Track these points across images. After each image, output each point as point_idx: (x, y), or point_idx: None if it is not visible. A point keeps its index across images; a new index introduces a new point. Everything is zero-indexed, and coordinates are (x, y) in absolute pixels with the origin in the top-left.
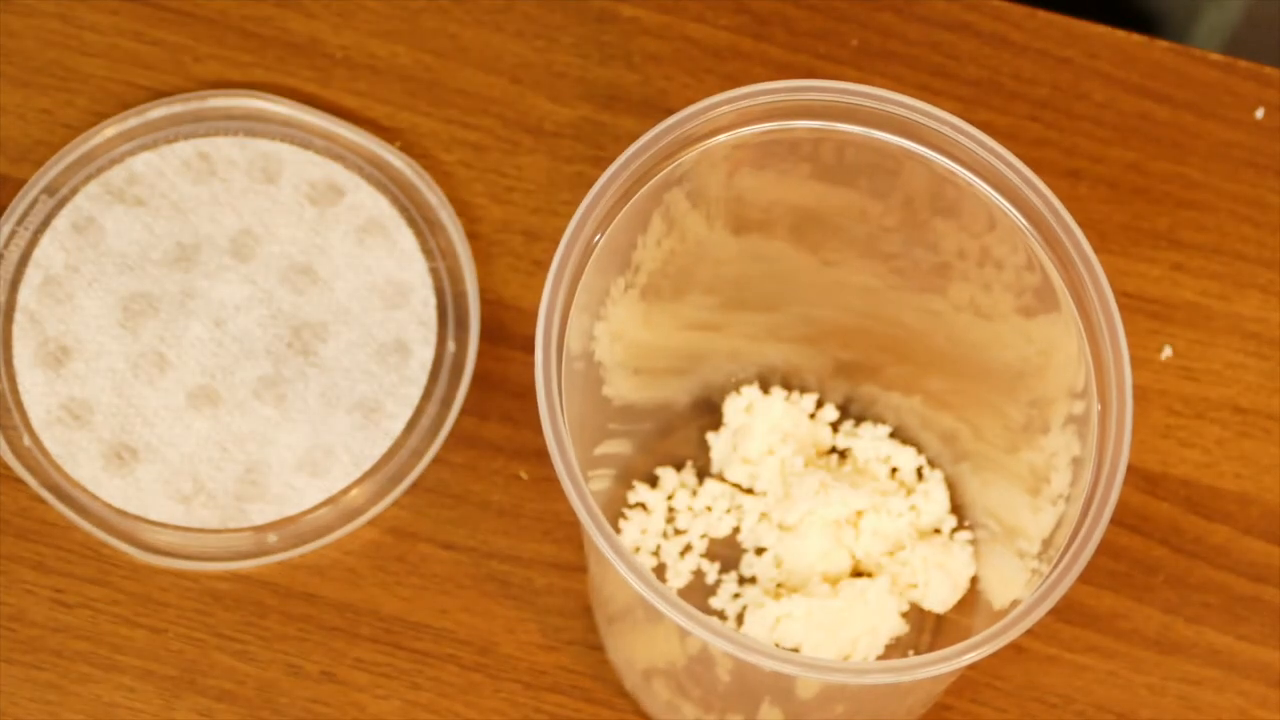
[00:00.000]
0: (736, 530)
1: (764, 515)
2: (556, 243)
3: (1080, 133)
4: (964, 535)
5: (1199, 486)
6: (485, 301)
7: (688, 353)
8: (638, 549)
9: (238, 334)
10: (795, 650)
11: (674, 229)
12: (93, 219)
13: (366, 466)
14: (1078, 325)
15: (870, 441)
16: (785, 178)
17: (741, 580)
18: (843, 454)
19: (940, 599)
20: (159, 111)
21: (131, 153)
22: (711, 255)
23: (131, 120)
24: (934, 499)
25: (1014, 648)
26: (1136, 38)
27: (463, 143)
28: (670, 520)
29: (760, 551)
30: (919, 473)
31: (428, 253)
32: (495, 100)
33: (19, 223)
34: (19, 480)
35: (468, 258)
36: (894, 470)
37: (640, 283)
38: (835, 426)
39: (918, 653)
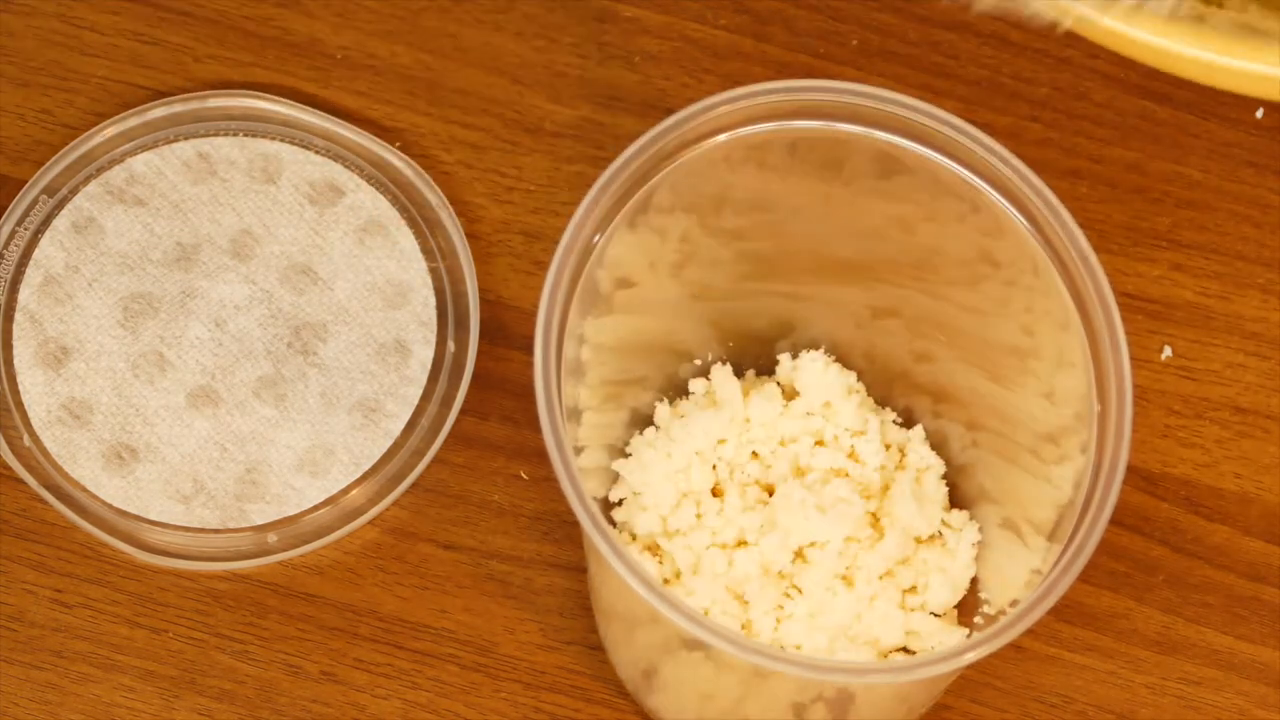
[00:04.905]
0: None
1: None
2: (556, 243)
3: (1080, 133)
4: (964, 536)
5: (1199, 486)
6: (485, 301)
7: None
8: None
9: (238, 334)
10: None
11: (674, 230)
12: (93, 219)
13: (366, 466)
14: (1078, 325)
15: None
16: (786, 178)
17: None
18: None
19: (940, 599)
20: (159, 111)
21: (131, 153)
22: (711, 256)
23: (131, 120)
24: (934, 499)
25: (1014, 648)
26: None
27: (463, 143)
28: None
29: None
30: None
31: (428, 253)
32: (495, 100)
33: (19, 223)
34: (19, 480)
35: (468, 258)
36: None
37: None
38: None
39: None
